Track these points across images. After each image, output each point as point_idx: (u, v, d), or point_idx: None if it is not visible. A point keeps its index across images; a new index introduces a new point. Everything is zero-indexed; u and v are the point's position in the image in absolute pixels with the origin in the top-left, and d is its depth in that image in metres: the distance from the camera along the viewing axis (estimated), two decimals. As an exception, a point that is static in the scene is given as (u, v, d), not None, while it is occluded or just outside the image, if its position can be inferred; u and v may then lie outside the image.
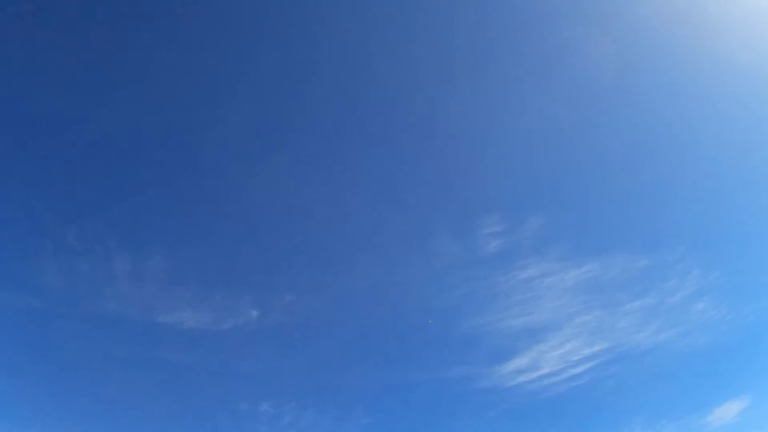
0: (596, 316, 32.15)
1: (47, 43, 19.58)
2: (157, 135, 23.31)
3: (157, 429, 35.12)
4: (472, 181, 25.76)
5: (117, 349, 32.42)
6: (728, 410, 46.31)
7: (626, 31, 22.49)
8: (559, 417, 36.10)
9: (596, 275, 31.06)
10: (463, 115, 24.16)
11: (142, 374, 32.64)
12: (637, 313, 33.19)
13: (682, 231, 32.57)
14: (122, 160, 23.24)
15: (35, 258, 24.99)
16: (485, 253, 30.01)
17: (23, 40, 19.68)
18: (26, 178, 22.89)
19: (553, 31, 22.29)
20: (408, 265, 29.83)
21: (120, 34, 19.92)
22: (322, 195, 26.00)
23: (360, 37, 21.68)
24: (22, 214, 23.64)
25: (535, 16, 22.33)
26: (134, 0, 19.44)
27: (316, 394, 32.96)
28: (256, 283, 30.90)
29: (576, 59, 22.52)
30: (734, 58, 23.75)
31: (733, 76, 24.74)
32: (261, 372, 34.16)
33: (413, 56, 22.40)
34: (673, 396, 40.80)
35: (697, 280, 39.83)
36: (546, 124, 25.03)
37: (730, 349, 44.20)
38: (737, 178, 31.92)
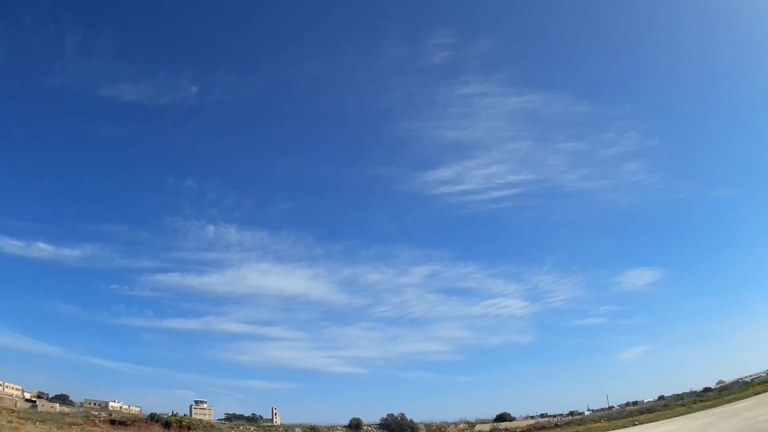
0: (527, 146, 33.97)
1: None
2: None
3: (87, 199, 37.05)
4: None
5: (57, 122, 32.81)
6: (639, 276, 53.23)
7: None
8: (474, 235, 39.70)
9: (536, 107, 32.23)
10: None
11: (79, 147, 33.42)
12: (569, 155, 35.24)
13: (631, 90, 33.58)
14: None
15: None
16: (431, 61, 30.18)
17: None
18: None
19: None
20: (352, 60, 29.70)
21: None
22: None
23: None
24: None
25: None
26: None
27: (241, 175, 34.57)
28: (199, 60, 30.43)
29: None
30: None
31: None
32: (191, 148, 35.40)
33: None
34: (588, 245, 45.43)
35: (635, 142, 42.81)
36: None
37: (654, 218, 49.26)
38: (708, 58, 32.22)
